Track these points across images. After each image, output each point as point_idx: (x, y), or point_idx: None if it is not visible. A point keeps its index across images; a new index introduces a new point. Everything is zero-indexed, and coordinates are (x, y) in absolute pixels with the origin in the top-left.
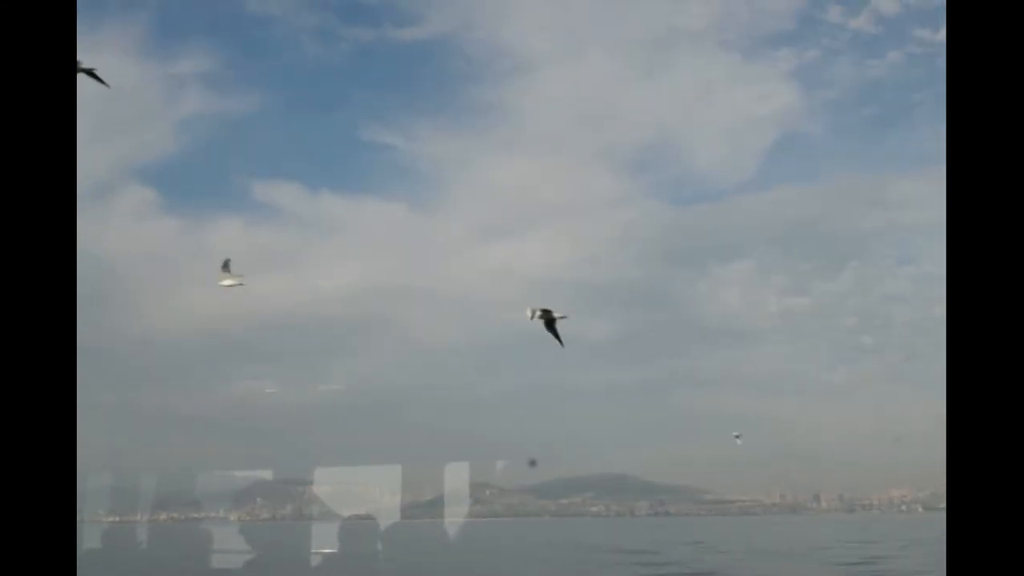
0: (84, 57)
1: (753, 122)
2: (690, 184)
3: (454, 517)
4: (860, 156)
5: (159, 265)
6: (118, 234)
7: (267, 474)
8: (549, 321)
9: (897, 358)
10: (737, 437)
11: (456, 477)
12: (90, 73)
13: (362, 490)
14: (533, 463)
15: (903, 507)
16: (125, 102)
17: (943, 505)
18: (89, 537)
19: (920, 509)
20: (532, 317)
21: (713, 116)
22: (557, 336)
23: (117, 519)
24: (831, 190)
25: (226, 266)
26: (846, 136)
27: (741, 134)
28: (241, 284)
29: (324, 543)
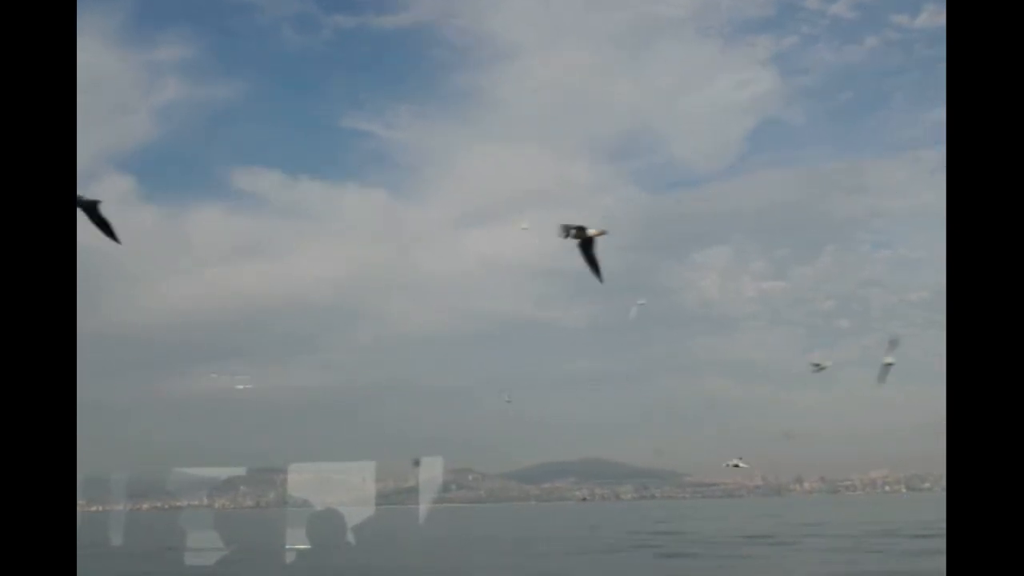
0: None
1: (732, 109)
2: (669, 171)
3: (431, 503)
4: (837, 141)
5: (139, 255)
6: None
7: (251, 463)
8: (585, 241)
9: (873, 341)
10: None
11: (436, 464)
12: (91, 209)
13: (343, 478)
14: (417, 463)
15: (886, 488)
16: (103, 90)
17: (926, 485)
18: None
19: (903, 490)
20: (566, 236)
21: (693, 104)
22: (594, 264)
23: (99, 508)
24: (808, 175)
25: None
26: (823, 122)
27: (720, 121)
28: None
29: (301, 536)
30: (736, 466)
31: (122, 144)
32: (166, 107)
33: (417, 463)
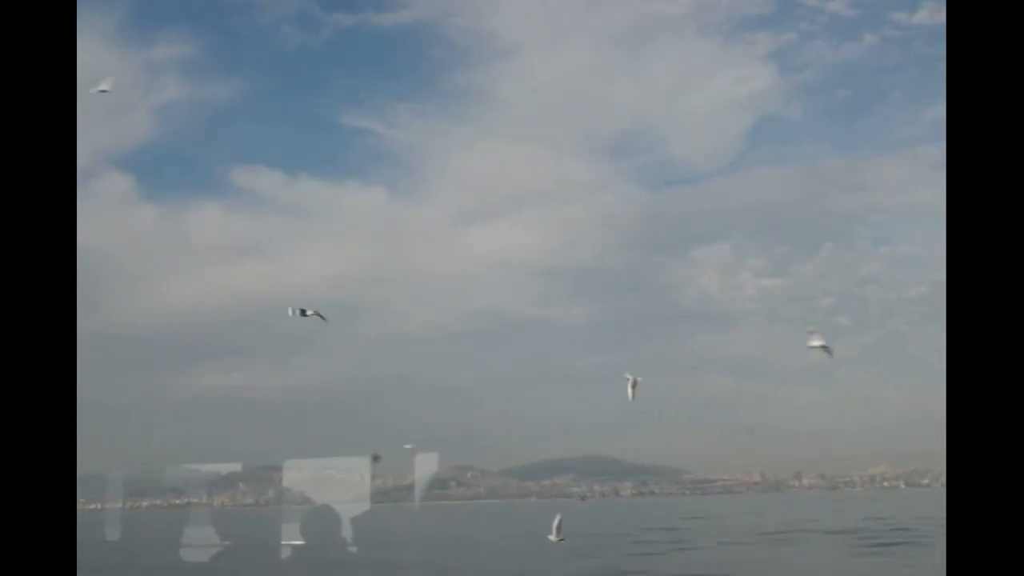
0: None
1: (731, 106)
2: (668, 169)
3: (430, 500)
4: (836, 138)
5: (138, 255)
6: (95, 222)
7: (250, 461)
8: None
9: (873, 338)
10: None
11: (432, 461)
12: None
13: (342, 475)
14: (377, 458)
15: (885, 484)
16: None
17: (925, 481)
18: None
19: (903, 485)
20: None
21: (692, 101)
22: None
23: (98, 506)
24: (807, 173)
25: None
26: (822, 119)
27: (719, 119)
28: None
29: (296, 532)
30: (634, 385)
31: (122, 143)
32: (166, 106)
33: (376, 458)
